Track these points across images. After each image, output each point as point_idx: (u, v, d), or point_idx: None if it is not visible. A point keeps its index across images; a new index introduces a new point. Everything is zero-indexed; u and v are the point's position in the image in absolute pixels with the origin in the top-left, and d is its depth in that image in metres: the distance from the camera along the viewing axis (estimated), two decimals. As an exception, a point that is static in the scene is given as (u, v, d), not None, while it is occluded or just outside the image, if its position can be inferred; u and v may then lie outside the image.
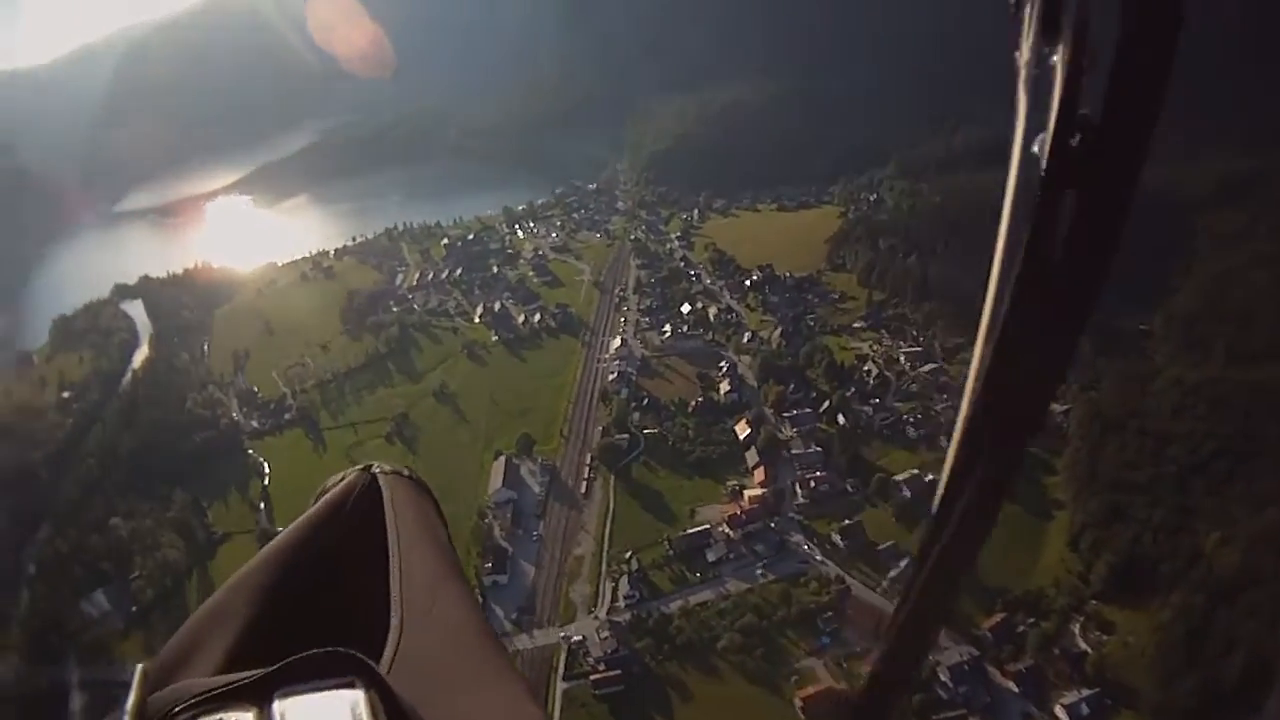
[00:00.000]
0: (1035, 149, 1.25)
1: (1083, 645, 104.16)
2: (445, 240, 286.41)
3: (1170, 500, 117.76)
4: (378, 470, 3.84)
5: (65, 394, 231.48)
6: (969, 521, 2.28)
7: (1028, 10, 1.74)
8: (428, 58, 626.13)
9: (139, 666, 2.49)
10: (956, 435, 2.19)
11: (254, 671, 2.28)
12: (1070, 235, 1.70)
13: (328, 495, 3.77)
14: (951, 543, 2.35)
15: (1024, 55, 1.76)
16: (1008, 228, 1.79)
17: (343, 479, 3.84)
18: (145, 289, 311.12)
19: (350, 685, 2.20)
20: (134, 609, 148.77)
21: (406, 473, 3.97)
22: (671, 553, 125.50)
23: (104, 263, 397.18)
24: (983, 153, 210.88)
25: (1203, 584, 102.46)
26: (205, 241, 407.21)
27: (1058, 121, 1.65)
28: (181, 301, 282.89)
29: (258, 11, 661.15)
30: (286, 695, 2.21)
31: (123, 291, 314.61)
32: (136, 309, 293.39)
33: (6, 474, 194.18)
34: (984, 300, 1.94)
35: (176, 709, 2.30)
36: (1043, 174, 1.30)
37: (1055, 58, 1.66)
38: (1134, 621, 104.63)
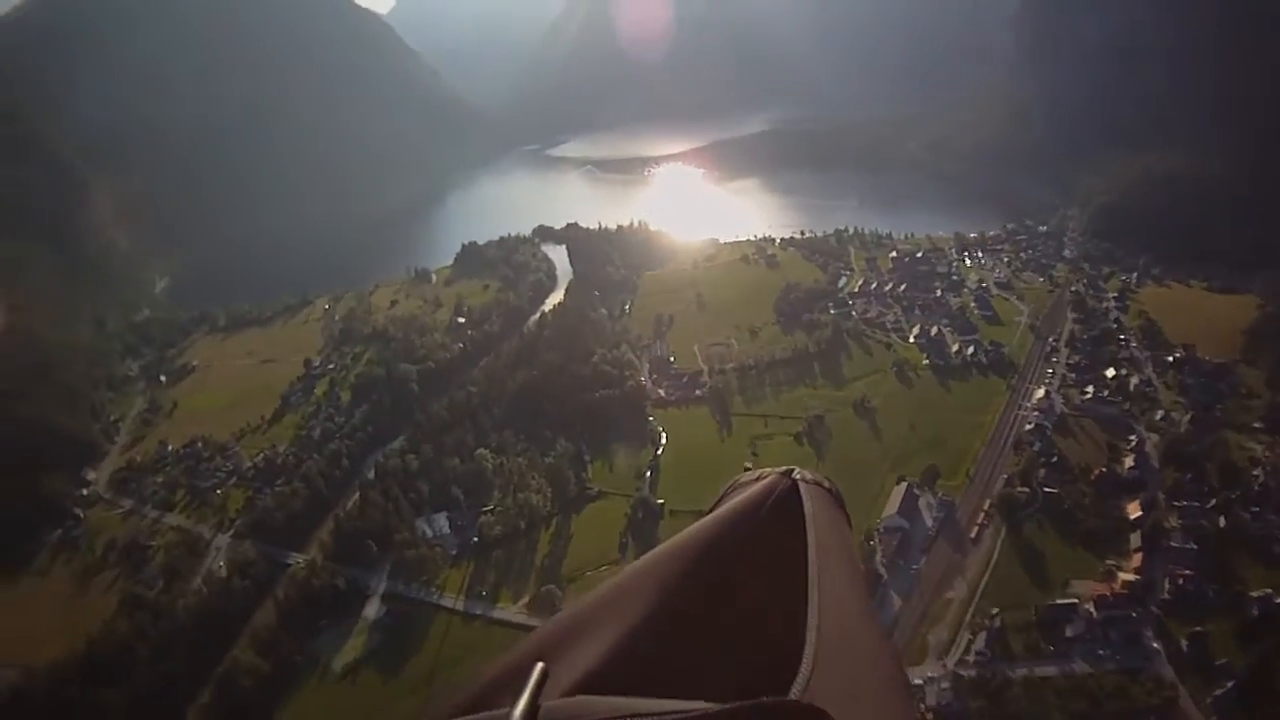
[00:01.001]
0: None
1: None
2: (894, 253, 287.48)
3: None
4: (799, 476, 3.96)
5: (460, 319, 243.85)
6: None
7: None
8: (886, 66, 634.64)
9: (539, 666, 2.51)
10: None
11: (689, 706, 2.22)
12: None
13: (747, 493, 3.89)
14: None
15: None
16: None
17: (759, 478, 4.04)
18: (571, 236, 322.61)
19: None
20: (475, 540, 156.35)
21: (827, 485, 4.15)
22: (1035, 619, 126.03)
23: (526, 201, 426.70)
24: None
25: None
26: (645, 203, 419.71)
27: None
28: (609, 256, 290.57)
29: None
30: None
31: (545, 234, 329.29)
32: (558, 254, 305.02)
33: (372, 378, 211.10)
34: None
35: None
36: None
37: None
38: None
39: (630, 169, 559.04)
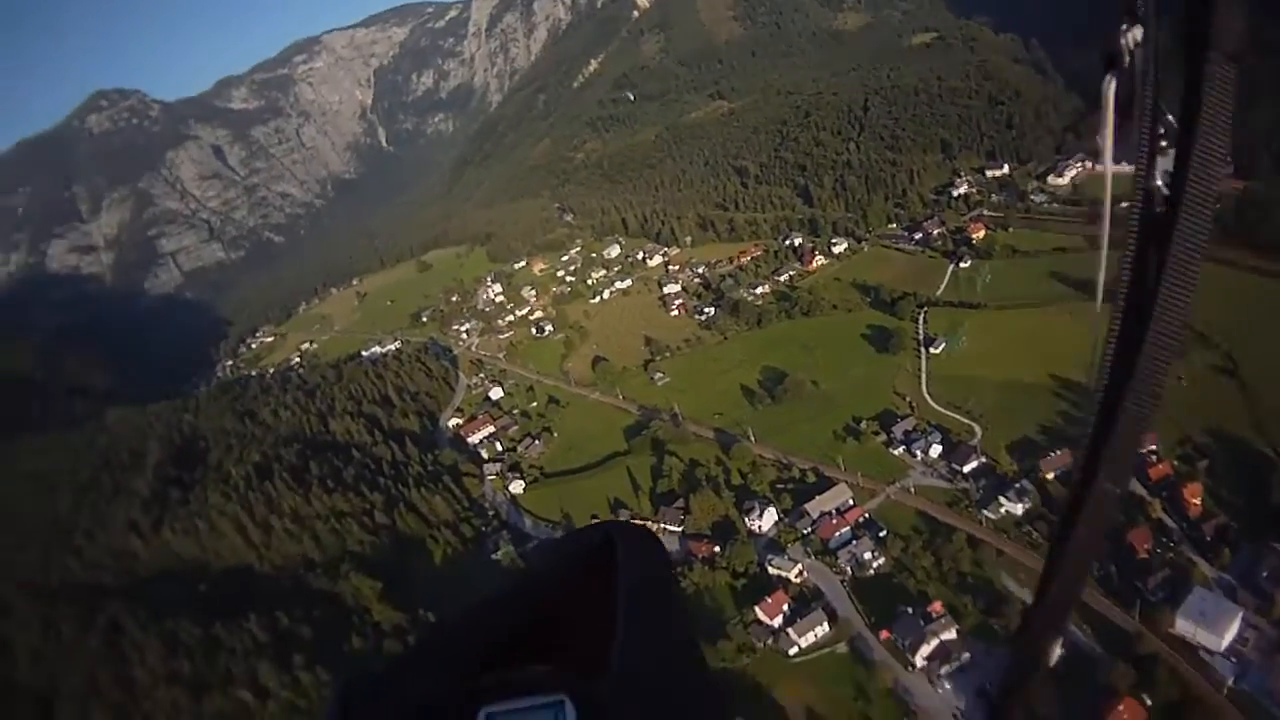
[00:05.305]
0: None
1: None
2: None
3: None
4: (612, 527, 3.83)
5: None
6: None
7: (1110, 90, 2.12)
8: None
9: (343, 680, 2.60)
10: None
11: (461, 688, 2.43)
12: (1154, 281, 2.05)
13: (566, 547, 3.77)
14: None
15: (1107, 131, 2.12)
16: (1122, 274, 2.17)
17: (576, 534, 3.85)
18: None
19: (560, 703, 2.33)
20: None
21: (642, 529, 3.89)
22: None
23: None
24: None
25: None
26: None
27: (1141, 188, 2.01)
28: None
29: None
30: (493, 708, 2.32)
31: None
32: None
33: None
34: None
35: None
36: (1134, 236, 2.15)
37: (1139, 131, 2.04)
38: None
39: None
